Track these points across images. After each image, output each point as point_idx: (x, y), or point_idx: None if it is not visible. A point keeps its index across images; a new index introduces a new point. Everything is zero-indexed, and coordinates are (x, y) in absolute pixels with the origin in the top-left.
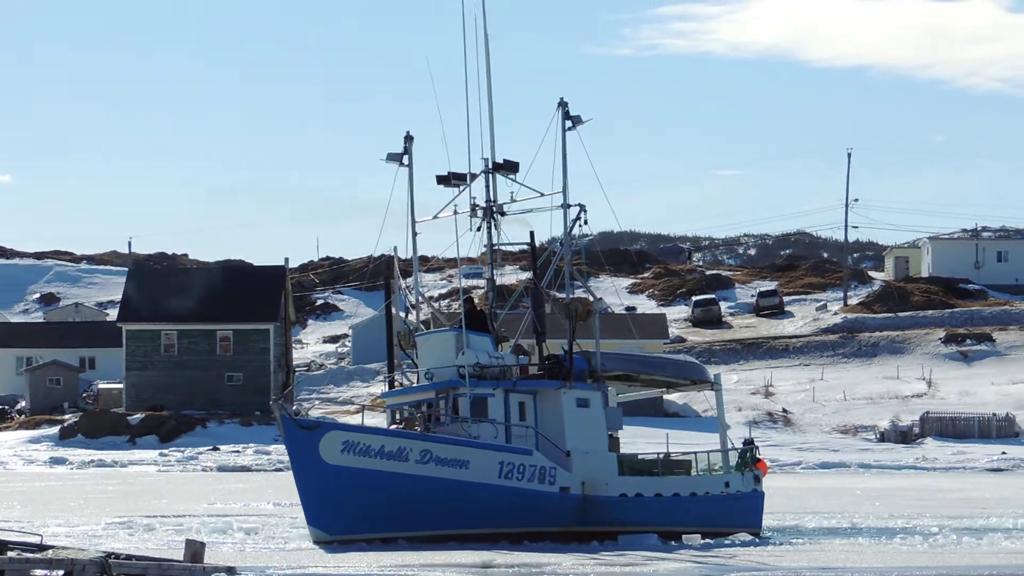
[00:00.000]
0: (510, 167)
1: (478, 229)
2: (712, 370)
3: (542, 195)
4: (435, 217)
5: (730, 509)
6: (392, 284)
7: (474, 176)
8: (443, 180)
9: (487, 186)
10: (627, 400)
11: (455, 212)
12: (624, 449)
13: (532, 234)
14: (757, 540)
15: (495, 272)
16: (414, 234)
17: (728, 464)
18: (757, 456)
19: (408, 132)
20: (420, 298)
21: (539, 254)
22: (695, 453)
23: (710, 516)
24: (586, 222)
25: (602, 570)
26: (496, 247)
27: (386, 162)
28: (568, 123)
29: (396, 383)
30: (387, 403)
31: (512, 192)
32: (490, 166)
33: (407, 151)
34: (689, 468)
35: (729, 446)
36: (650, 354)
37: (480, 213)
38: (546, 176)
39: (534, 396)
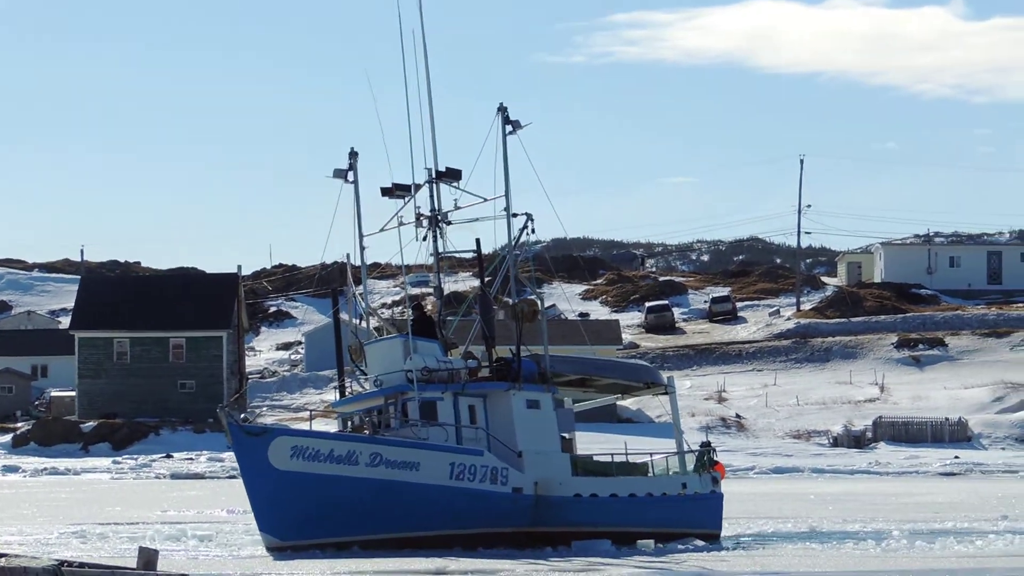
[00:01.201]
0: (452, 175)
1: (424, 239)
2: (665, 375)
3: (485, 200)
4: (382, 230)
5: (688, 510)
6: (344, 291)
7: (418, 187)
8: (387, 192)
9: (431, 195)
10: (582, 408)
11: (400, 223)
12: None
13: (478, 242)
14: (710, 545)
15: (443, 280)
16: (362, 248)
17: (685, 466)
18: (715, 459)
19: (352, 148)
20: (368, 310)
21: (487, 261)
22: (651, 455)
23: (667, 517)
24: (533, 231)
25: (556, 575)
26: (443, 255)
27: (332, 178)
28: (508, 128)
29: (348, 391)
30: (337, 412)
31: (456, 199)
32: (433, 175)
33: (352, 167)
34: (645, 470)
35: (686, 449)
36: (601, 357)
37: (425, 223)
38: (493, 183)
39: (484, 399)
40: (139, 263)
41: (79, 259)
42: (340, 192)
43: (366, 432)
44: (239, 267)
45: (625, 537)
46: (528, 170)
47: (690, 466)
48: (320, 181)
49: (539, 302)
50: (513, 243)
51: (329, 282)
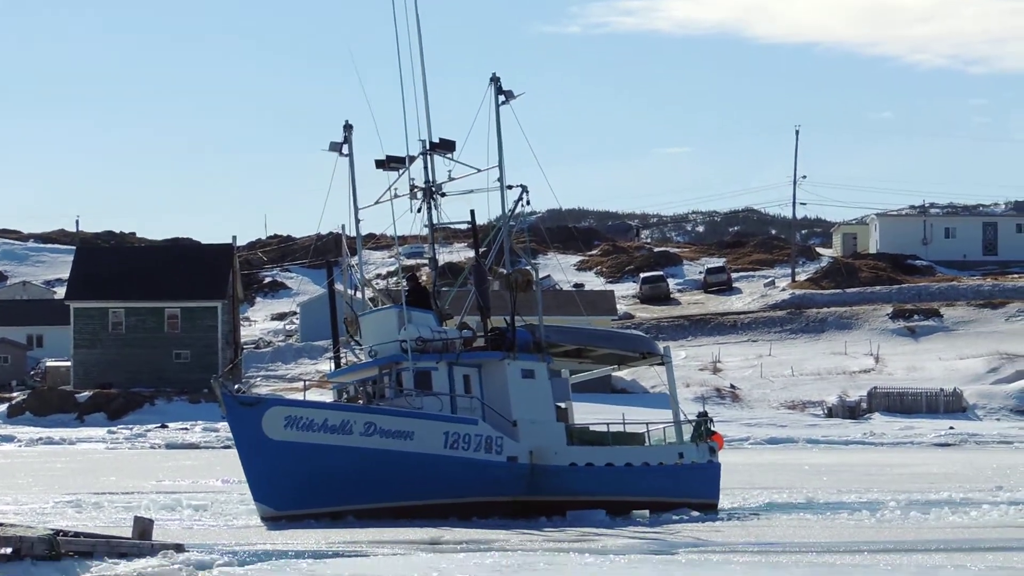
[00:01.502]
0: (446, 146)
1: (418, 210)
2: (661, 345)
3: (478, 171)
4: (377, 202)
5: (685, 480)
6: (340, 262)
7: (412, 159)
8: (381, 164)
9: (425, 167)
10: (579, 379)
11: (395, 195)
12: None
13: (473, 213)
14: (704, 515)
15: (437, 251)
16: (357, 220)
17: (682, 436)
18: (712, 428)
19: (347, 121)
20: (363, 283)
21: (482, 233)
22: (647, 425)
23: (664, 487)
24: (528, 203)
25: (550, 546)
26: (437, 227)
27: (328, 151)
28: (501, 98)
29: (343, 362)
30: (333, 382)
31: (450, 171)
32: (427, 147)
33: (347, 140)
34: (642, 439)
35: (683, 419)
36: (597, 328)
37: (420, 195)
38: (487, 154)
39: (479, 369)
40: (134, 234)
41: (75, 230)
42: (335, 165)
43: (360, 402)
44: (234, 238)
45: (621, 507)
46: (522, 141)
47: (687, 436)
48: (315, 152)
49: (533, 272)
50: (508, 214)
51: (324, 253)
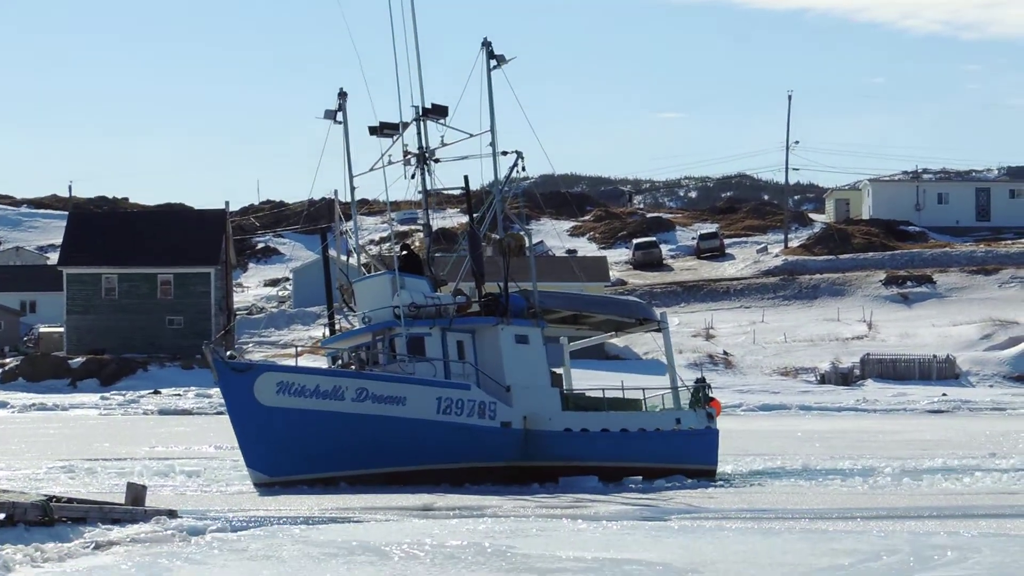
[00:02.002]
0: (439, 111)
1: (412, 176)
2: (658, 311)
3: (471, 136)
4: (371, 169)
5: (682, 446)
6: (333, 227)
7: (406, 125)
8: (375, 131)
9: (418, 133)
10: (577, 346)
11: (389, 161)
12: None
13: (467, 178)
14: (697, 482)
15: (431, 217)
16: (352, 188)
17: (679, 402)
18: (710, 395)
19: (342, 89)
20: (357, 248)
21: (475, 198)
22: (643, 391)
23: (660, 453)
24: (524, 168)
25: (543, 512)
26: (431, 193)
27: (323, 119)
28: (492, 63)
29: (337, 328)
30: (327, 349)
31: (442, 136)
32: (420, 112)
33: (341, 107)
34: (639, 406)
35: (680, 385)
36: (593, 294)
37: (413, 161)
38: (479, 119)
39: (472, 334)
40: (127, 199)
41: (67, 195)
42: (328, 132)
43: (352, 369)
44: (227, 203)
45: (617, 473)
46: (515, 106)
47: (686, 403)
48: (308, 118)
49: (526, 237)
50: (503, 180)
51: (317, 219)
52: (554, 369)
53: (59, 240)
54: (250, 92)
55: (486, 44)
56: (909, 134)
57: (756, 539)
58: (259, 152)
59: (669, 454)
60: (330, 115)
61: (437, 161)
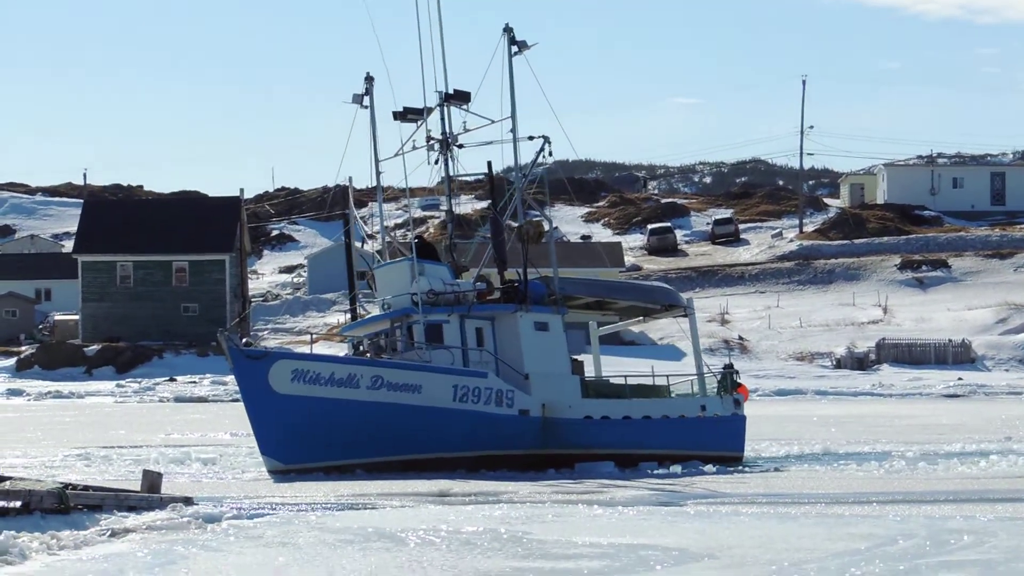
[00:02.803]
0: (461, 97)
1: (436, 162)
2: (684, 297)
3: (492, 122)
4: (397, 154)
5: (707, 433)
6: (350, 215)
7: (430, 110)
8: (399, 116)
9: (442, 118)
10: (606, 331)
11: (413, 147)
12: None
13: (490, 164)
14: (715, 467)
15: (453, 203)
16: (378, 173)
17: (705, 388)
18: (737, 380)
19: (368, 73)
20: (384, 232)
21: (497, 184)
22: (667, 377)
23: (684, 440)
24: (551, 154)
25: (559, 498)
26: (454, 179)
27: (350, 103)
28: (514, 48)
29: (360, 314)
30: (347, 336)
31: (464, 122)
32: (443, 98)
33: (368, 92)
34: (661, 392)
35: (705, 371)
36: (617, 280)
37: (437, 146)
38: (500, 105)
39: (492, 321)
40: (142, 187)
41: (82, 183)
42: (355, 116)
43: (368, 356)
44: (241, 190)
45: (638, 460)
46: (534, 93)
47: (713, 389)
48: (323, 105)
49: (548, 223)
50: (529, 165)
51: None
52: (575, 356)
53: (74, 228)
54: (265, 79)
55: (508, 30)
56: (924, 118)
57: (772, 524)
58: (274, 139)
59: (693, 441)
60: (357, 99)
61: (461, 147)
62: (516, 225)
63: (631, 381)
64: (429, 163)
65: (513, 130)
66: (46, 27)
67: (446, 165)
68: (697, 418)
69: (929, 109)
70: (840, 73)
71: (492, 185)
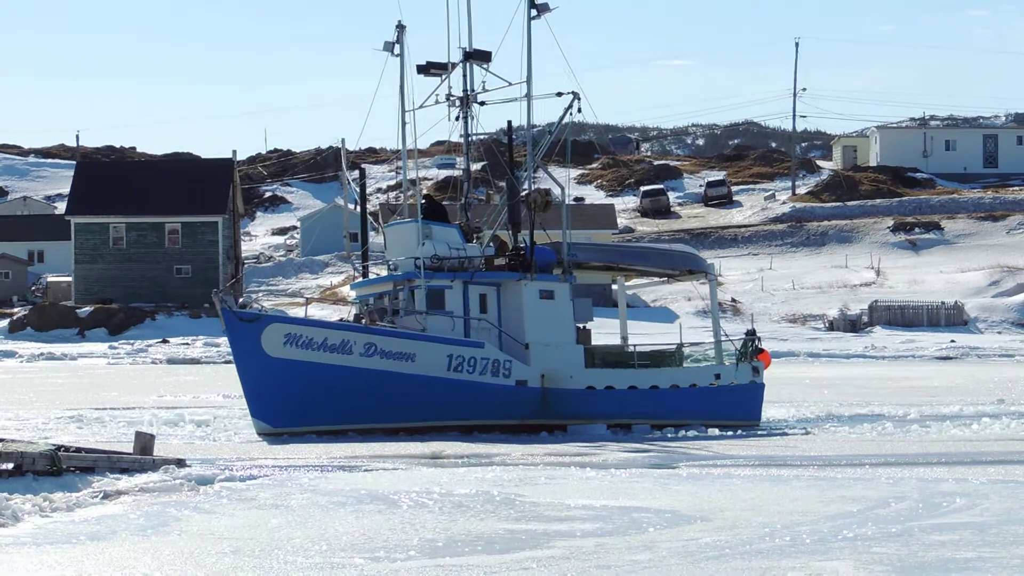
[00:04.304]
0: (482, 56)
1: (457, 119)
2: (707, 261)
3: (510, 84)
4: (422, 106)
5: (719, 402)
6: (340, 176)
7: (454, 65)
8: (422, 70)
9: (464, 75)
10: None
11: (436, 101)
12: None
13: (509, 124)
14: (708, 430)
15: (470, 162)
16: (403, 124)
17: (720, 356)
18: (760, 347)
19: (400, 21)
20: (407, 186)
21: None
22: (678, 344)
23: (693, 409)
24: (579, 110)
25: (551, 460)
26: (471, 137)
27: (381, 51)
28: (533, 12)
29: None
30: (355, 293)
31: (484, 82)
32: (466, 55)
33: (399, 40)
34: (671, 359)
35: (723, 337)
36: (632, 244)
37: (459, 103)
38: (513, 65)
39: (497, 288)
40: (134, 148)
41: (75, 144)
42: (385, 64)
43: (363, 322)
44: (234, 152)
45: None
46: (548, 54)
47: (733, 355)
48: (317, 65)
49: (561, 190)
50: (557, 122)
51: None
52: (580, 324)
53: (67, 190)
54: (258, 38)
55: None
56: (916, 81)
57: (765, 486)
58: (265, 100)
59: (703, 410)
60: (388, 47)
61: (482, 104)
62: (526, 192)
63: (653, 349)
64: (450, 119)
65: (528, 94)
66: None
67: (465, 122)
68: (709, 387)
69: (921, 71)
70: (833, 35)
71: (511, 146)
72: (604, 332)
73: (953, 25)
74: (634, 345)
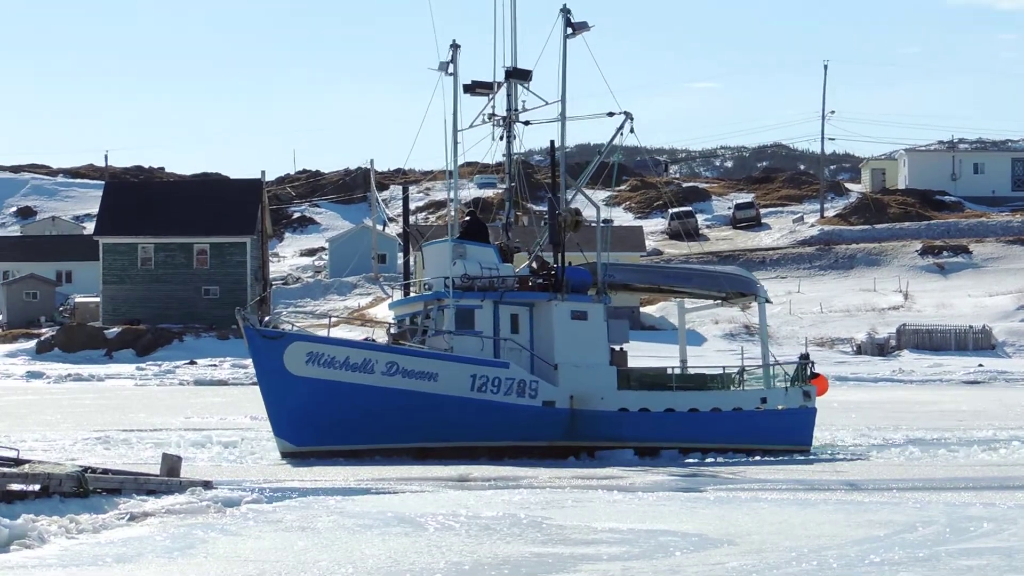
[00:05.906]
0: (521, 75)
1: (501, 138)
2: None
3: (547, 103)
4: (471, 126)
5: (764, 426)
6: (369, 197)
7: (500, 84)
8: (468, 89)
9: (508, 95)
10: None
11: (483, 121)
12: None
13: (552, 143)
14: (730, 456)
15: (513, 181)
16: (455, 143)
17: (769, 380)
18: (814, 372)
19: (454, 40)
20: (453, 202)
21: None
22: (724, 368)
23: (735, 433)
24: (632, 130)
25: (579, 483)
26: (514, 157)
27: (435, 70)
28: (568, 30)
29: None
30: (394, 313)
31: (524, 101)
32: (508, 74)
33: (453, 59)
34: (715, 383)
35: (771, 361)
36: (681, 265)
37: (502, 122)
38: (555, 85)
39: (530, 309)
40: (163, 168)
41: (103, 164)
42: (438, 83)
43: (386, 338)
44: (263, 172)
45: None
46: (586, 74)
47: (786, 380)
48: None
49: (596, 210)
50: (608, 143)
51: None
52: (615, 345)
53: (95, 210)
54: (287, 61)
55: (564, 11)
56: (945, 104)
57: (792, 510)
58: (295, 121)
59: (747, 434)
60: (443, 67)
61: (527, 124)
62: (556, 212)
63: (708, 371)
64: (493, 139)
65: (562, 113)
66: (68, 10)
67: (508, 142)
68: (754, 411)
69: (950, 94)
70: (862, 58)
71: (553, 165)
72: (643, 355)
73: (981, 48)
74: (685, 367)
